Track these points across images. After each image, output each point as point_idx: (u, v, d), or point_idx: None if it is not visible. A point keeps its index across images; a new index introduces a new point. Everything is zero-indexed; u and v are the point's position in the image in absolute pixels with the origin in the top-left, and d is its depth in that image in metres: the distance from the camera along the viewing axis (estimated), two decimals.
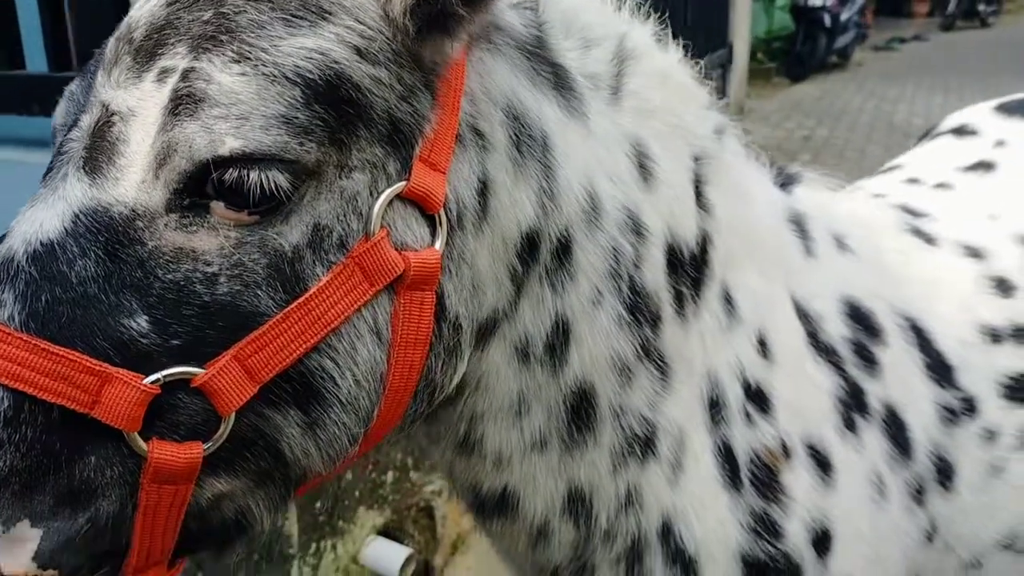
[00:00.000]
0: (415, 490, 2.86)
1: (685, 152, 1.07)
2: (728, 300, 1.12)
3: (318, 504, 2.43)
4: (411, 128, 0.79)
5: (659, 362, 1.04)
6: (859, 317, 1.25)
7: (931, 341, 1.29)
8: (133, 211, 0.70)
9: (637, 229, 0.98)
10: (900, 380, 1.25)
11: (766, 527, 1.11)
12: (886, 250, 1.34)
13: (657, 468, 1.07)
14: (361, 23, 0.76)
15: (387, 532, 2.71)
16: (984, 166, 1.64)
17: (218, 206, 0.71)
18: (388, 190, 0.77)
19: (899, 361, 1.26)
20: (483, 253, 0.88)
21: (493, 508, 1.07)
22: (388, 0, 0.77)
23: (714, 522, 1.09)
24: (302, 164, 0.72)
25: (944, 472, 1.27)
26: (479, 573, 2.92)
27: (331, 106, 0.74)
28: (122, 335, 0.68)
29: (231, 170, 0.69)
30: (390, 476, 2.76)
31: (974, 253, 1.41)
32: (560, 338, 0.96)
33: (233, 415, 0.72)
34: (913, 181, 1.63)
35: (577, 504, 1.06)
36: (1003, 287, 1.39)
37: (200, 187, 0.71)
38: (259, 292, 0.72)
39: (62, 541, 0.70)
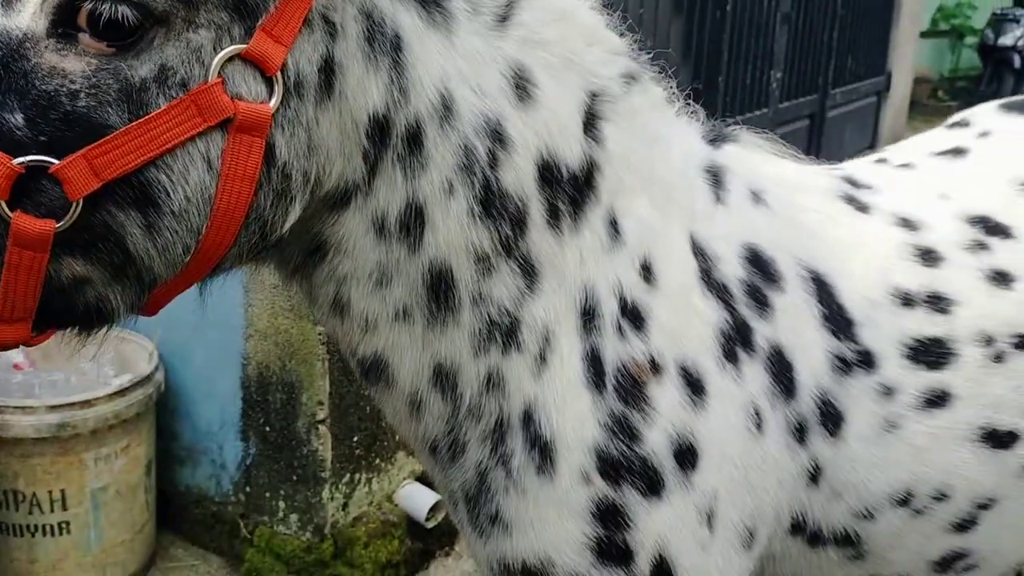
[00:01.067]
0: None
1: (578, 86, 1.21)
2: (614, 225, 1.24)
3: (355, 438, 2.66)
4: (257, 3, 0.97)
5: (523, 263, 1.17)
6: (759, 263, 1.33)
7: (834, 295, 1.36)
8: (24, 35, 0.92)
9: (498, 137, 1.13)
10: (792, 325, 1.32)
11: (623, 429, 1.22)
12: (806, 210, 1.41)
13: (520, 359, 1.20)
14: None
15: (423, 479, 2.91)
16: (957, 152, 1.66)
17: (84, 36, 0.91)
18: (229, 48, 0.95)
19: (794, 308, 1.33)
20: (328, 126, 1.04)
21: (371, 373, 1.24)
22: None
23: (573, 417, 1.22)
24: (149, 9, 0.91)
25: (830, 418, 1.33)
26: None
27: None
28: (2, 126, 0.90)
29: (88, 3, 0.90)
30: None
31: (907, 224, 1.46)
32: (414, 219, 1.12)
33: (80, 201, 0.91)
34: (881, 161, 1.68)
35: (443, 379, 1.21)
36: (928, 257, 1.43)
37: (71, 19, 0.91)
38: (110, 110, 0.92)
39: None
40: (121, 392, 2.49)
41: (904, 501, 1.40)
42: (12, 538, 2.50)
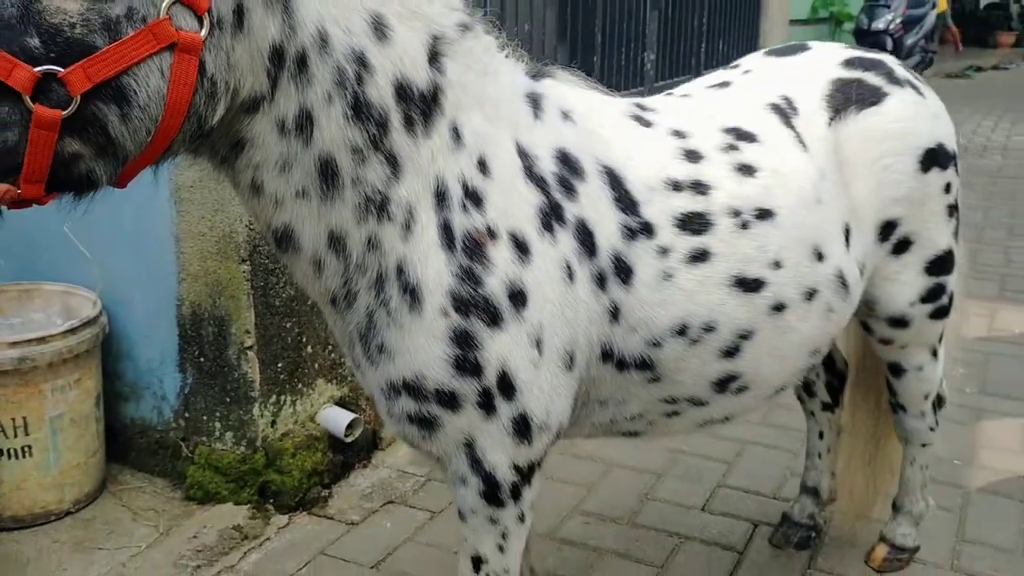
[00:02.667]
0: None
1: (423, 30, 1.65)
2: (456, 132, 1.70)
3: (279, 364, 3.10)
4: None
5: (388, 156, 1.62)
6: (567, 161, 1.81)
7: (622, 183, 1.85)
8: None
9: (363, 63, 1.57)
10: (592, 205, 1.81)
11: (470, 277, 1.68)
12: (603, 124, 1.90)
13: (392, 227, 1.66)
14: None
15: (343, 403, 3.37)
16: (724, 84, 2.20)
17: None
18: None
19: (594, 192, 1.82)
20: (241, 51, 1.46)
21: (283, 241, 1.67)
22: None
23: (433, 269, 1.67)
24: None
25: (623, 271, 1.82)
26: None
27: None
28: (25, 46, 1.29)
29: None
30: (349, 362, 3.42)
31: (679, 135, 1.97)
32: (305, 121, 1.55)
33: (79, 97, 1.31)
34: (669, 94, 2.21)
35: (336, 242, 1.64)
36: (693, 156, 1.94)
37: None
38: (96, 36, 1.32)
39: None
40: (73, 331, 2.89)
41: (682, 331, 1.90)
42: None
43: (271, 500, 3.07)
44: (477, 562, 1.92)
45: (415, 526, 3.04)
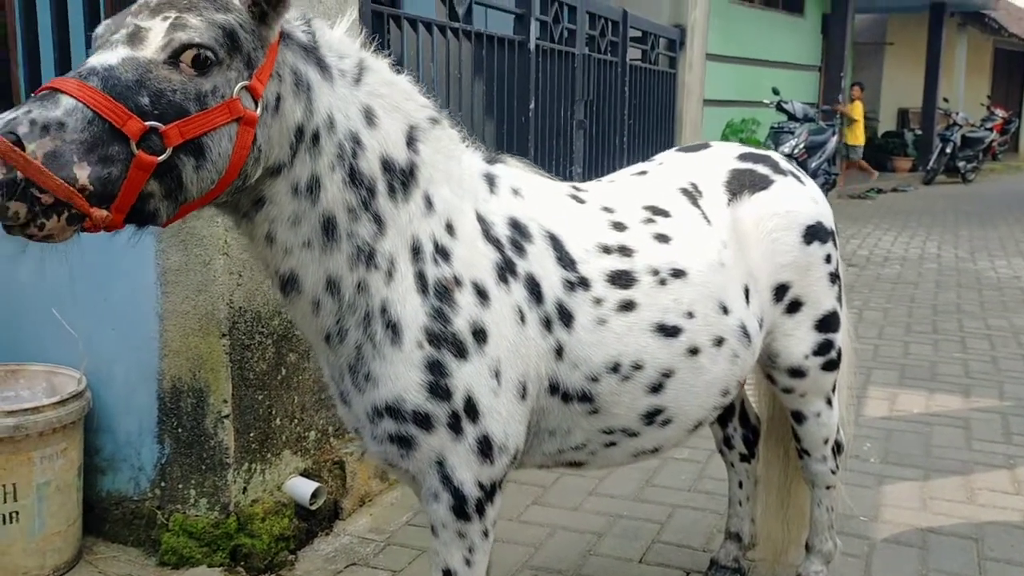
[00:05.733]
0: (333, 450, 3.80)
1: (402, 121, 2.06)
2: (428, 200, 2.09)
3: (251, 434, 3.38)
4: (254, 62, 1.78)
5: (375, 216, 1.98)
6: (517, 227, 2.21)
7: (563, 245, 2.24)
8: (149, 60, 1.67)
9: (357, 141, 1.95)
10: (539, 262, 2.18)
11: (441, 316, 2.04)
12: (545, 200, 2.32)
13: (377, 274, 2.00)
14: (239, 12, 1.77)
15: (307, 474, 3.63)
16: (643, 173, 2.68)
17: (183, 65, 1.68)
18: (242, 83, 1.75)
19: (540, 252, 2.20)
20: (276, 127, 1.85)
21: (288, 285, 1.99)
22: (248, 3, 1.79)
23: (410, 308, 2.02)
24: (217, 57, 1.70)
25: (565, 316, 2.20)
26: (378, 518, 3.80)
27: (229, 38, 1.73)
28: (136, 103, 1.63)
29: (190, 50, 1.68)
30: (312, 435, 3.71)
31: (608, 210, 2.40)
32: (315, 184, 1.92)
33: (171, 149, 1.65)
34: (598, 180, 2.69)
35: (332, 286, 1.98)
36: (619, 227, 2.36)
37: (177, 56, 1.68)
38: (189, 103, 1.68)
39: (95, 178, 1.60)
40: (63, 402, 3.14)
41: (615, 368, 2.27)
42: None
43: (242, 563, 3.29)
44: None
45: None
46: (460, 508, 2.14)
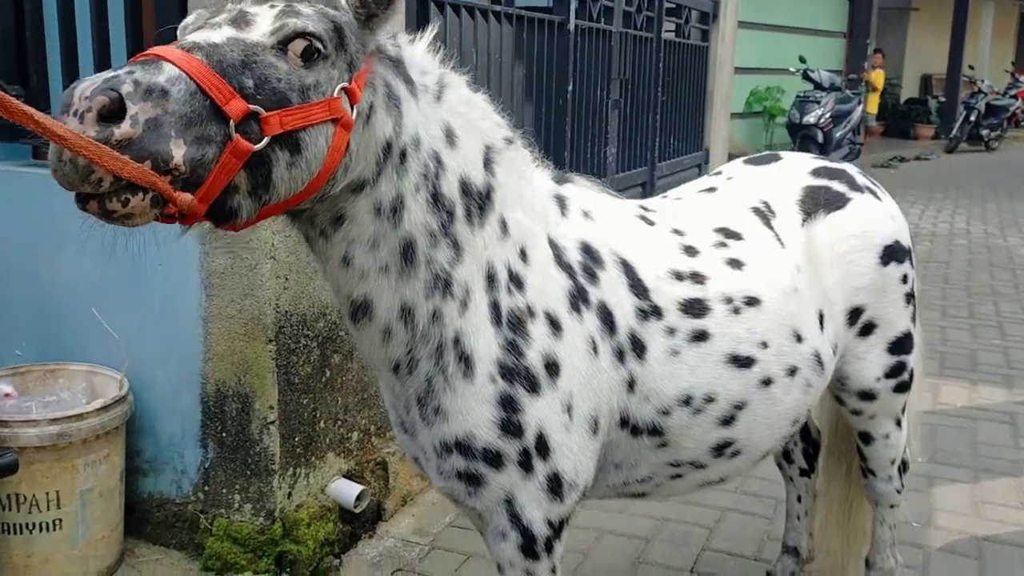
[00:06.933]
0: (375, 450, 3.74)
1: (479, 140, 1.95)
2: (503, 224, 1.99)
3: (296, 439, 3.32)
4: (355, 66, 1.68)
5: (454, 241, 1.87)
6: (589, 252, 2.11)
7: (635, 272, 2.16)
8: (256, 43, 1.57)
9: (439, 161, 1.85)
10: (612, 290, 2.10)
11: (514, 349, 1.95)
12: (616, 222, 2.23)
13: (452, 302, 1.90)
14: (346, 11, 1.68)
15: (350, 476, 3.58)
16: (711, 190, 2.56)
17: (291, 54, 1.58)
18: (343, 83, 1.64)
19: (612, 279, 2.11)
20: (366, 138, 1.74)
21: (359, 312, 1.88)
22: (354, 5, 1.70)
23: (484, 340, 1.92)
24: (325, 50, 1.61)
25: (638, 347, 2.12)
26: (420, 519, 3.75)
27: (337, 34, 1.64)
28: (240, 83, 1.51)
29: (301, 39, 1.58)
30: (355, 435, 3.65)
31: (678, 232, 2.31)
32: (399, 205, 1.81)
33: (268, 138, 1.53)
34: (665, 197, 2.57)
35: (406, 314, 1.88)
36: (690, 251, 2.26)
37: (287, 43, 1.58)
38: (292, 94, 1.57)
39: (189, 158, 1.45)
40: (106, 408, 3.08)
41: (687, 401, 2.19)
42: (11, 536, 3.01)
43: (287, 570, 3.24)
44: None
45: None
46: (529, 547, 2.07)
